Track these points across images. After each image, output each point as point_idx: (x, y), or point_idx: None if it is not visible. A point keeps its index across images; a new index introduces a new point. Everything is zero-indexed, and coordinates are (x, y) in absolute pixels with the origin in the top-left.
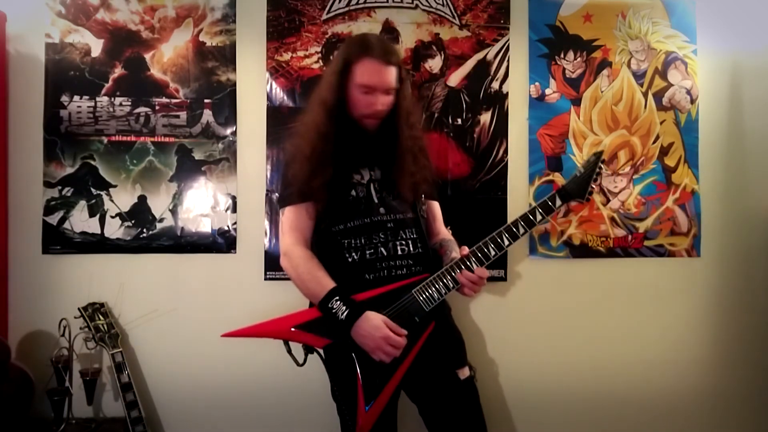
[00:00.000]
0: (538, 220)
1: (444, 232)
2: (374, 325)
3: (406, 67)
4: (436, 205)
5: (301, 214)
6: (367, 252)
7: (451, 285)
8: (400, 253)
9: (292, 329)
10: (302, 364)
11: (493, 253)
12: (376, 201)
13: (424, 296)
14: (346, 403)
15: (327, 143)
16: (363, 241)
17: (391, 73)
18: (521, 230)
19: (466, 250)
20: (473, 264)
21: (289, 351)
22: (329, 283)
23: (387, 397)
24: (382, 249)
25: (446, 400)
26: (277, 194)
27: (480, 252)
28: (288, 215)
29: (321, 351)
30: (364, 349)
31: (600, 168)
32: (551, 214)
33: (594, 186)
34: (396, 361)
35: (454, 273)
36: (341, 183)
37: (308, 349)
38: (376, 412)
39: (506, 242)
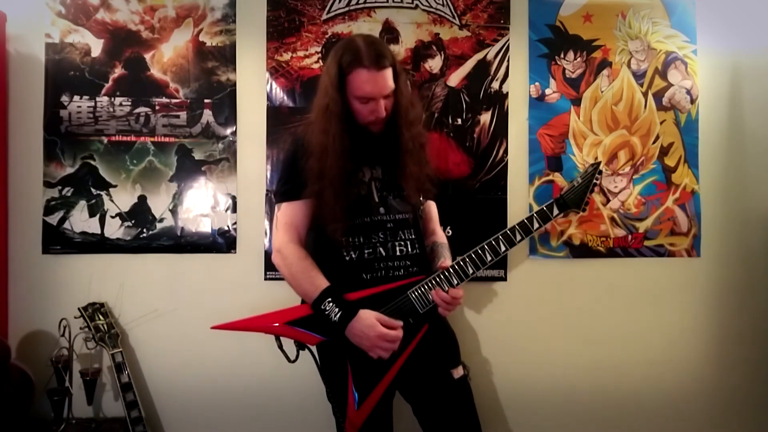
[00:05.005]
0: (535, 227)
1: (439, 234)
2: (368, 324)
3: (402, 64)
4: (433, 205)
5: (298, 211)
6: (366, 251)
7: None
8: (398, 253)
9: (285, 325)
10: (294, 361)
11: (469, 271)
12: (376, 200)
13: (418, 297)
14: (337, 401)
15: (337, 144)
16: (362, 240)
17: (387, 77)
18: (518, 237)
19: (447, 262)
20: (454, 279)
21: (281, 346)
22: (322, 283)
23: (377, 398)
24: (381, 249)
25: (440, 399)
26: (273, 189)
27: (459, 267)
28: (285, 211)
29: (312, 348)
30: (360, 348)
31: (597, 179)
32: (548, 223)
33: (590, 197)
34: (387, 362)
35: (441, 282)
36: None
37: (300, 346)
38: (365, 412)
39: (489, 257)
